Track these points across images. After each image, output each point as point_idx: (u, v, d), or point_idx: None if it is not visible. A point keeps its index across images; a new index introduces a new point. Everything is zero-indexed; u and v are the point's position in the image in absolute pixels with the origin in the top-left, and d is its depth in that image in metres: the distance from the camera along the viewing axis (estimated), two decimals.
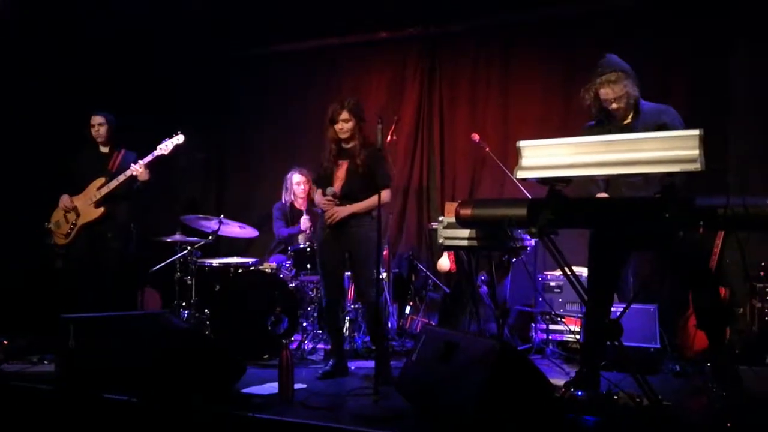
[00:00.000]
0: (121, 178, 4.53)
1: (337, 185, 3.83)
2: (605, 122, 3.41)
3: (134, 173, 4.53)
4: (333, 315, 3.94)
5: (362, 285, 3.83)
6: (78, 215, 4.60)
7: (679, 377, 3.77)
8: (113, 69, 5.60)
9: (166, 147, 4.62)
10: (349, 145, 3.83)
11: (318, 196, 3.96)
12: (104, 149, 4.75)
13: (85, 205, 4.60)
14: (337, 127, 3.78)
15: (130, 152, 4.75)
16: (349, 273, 4.13)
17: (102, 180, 4.59)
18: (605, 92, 3.30)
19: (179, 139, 4.65)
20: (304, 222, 5.04)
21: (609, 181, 3.43)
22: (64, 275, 4.65)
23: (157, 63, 5.85)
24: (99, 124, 4.68)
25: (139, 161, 4.56)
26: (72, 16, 5.35)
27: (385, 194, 3.75)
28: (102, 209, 4.57)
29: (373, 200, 3.70)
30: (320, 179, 3.95)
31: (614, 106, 3.32)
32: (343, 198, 3.80)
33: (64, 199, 4.63)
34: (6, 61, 5.13)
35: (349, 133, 3.79)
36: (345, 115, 3.76)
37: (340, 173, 3.84)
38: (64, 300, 4.39)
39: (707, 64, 4.68)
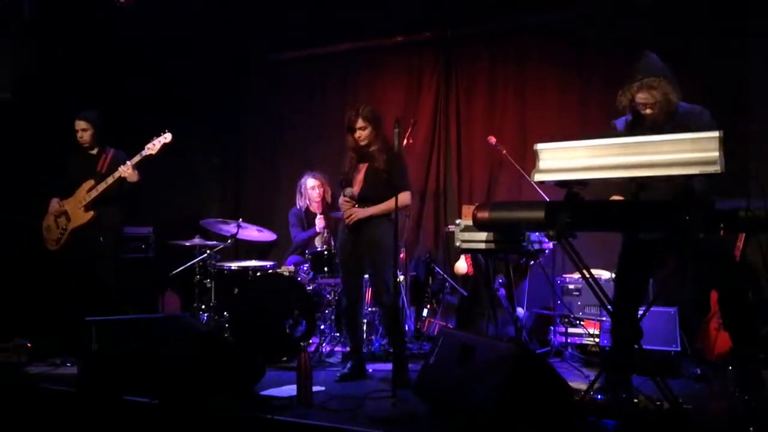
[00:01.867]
0: (110, 180, 4.38)
1: (356, 188, 3.87)
2: (634, 127, 3.31)
3: (123, 174, 4.37)
4: (352, 317, 3.97)
5: (379, 288, 3.85)
6: (68, 220, 4.47)
7: (700, 381, 3.73)
8: (130, 73, 5.63)
9: (153, 146, 4.46)
10: (370, 150, 3.86)
11: (341, 198, 4.01)
12: (92, 151, 4.59)
13: (75, 209, 4.46)
14: (355, 135, 3.84)
15: (119, 151, 4.60)
16: (367, 276, 4.15)
17: (91, 182, 4.45)
18: (643, 97, 3.18)
19: (167, 137, 4.48)
20: (319, 223, 5.06)
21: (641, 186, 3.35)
22: (60, 280, 4.53)
23: (174, 68, 5.89)
24: (82, 130, 4.52)
25: (128, 162, 4.41)
26: (87, 19, 5.38)
27: (404, 197, 3.79)
28: (92, 213, 4.43)
29: (390, 203, 3.76)
30: (343, 184, 3.99)
31: (648, 111, 3.21)
32: (362, 200, 3.84)
33: (54, 204, 4.51)
34: (27, 62, 5.19)
35: (367, 140, 3.84)
36: (360, 122, 3.81)
37: (359, 176, 3.88)
38: (64, 303, 4.34)
39: (724, 64, 4.62)
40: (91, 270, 4.46)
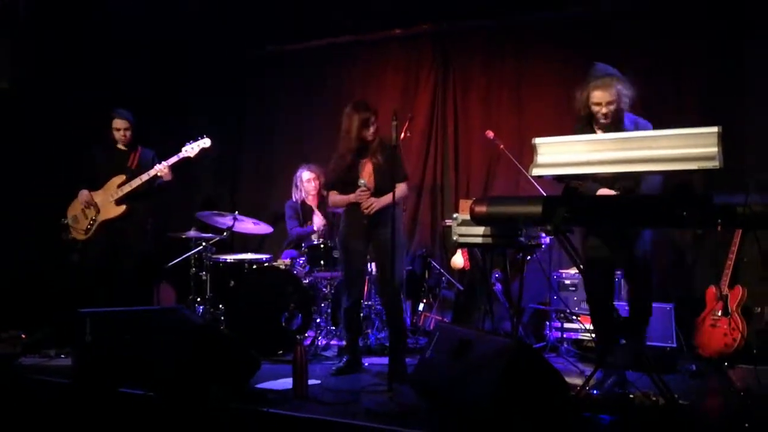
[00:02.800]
0: (145, 177, 4.49)
1: (369, 181, 3.86)
2: (587, 128, 3.39)
3: (159, 174, 4.51)
4: (355, 315, 3.97)
5: (388, 277, 3.79)
6: (98, 211, 4.54)
7: (695, 377, 3.74)
8: (127, 67, 5.60)
9: (192, 150, 4.61)
10: (372, 145, 3.88)
11: (335, 196, 3.98)
12: (122, 147, 4.69)
13: (106, 201, 4.55)
14: (369, 131, 3.83)
15: (146, 149, 4.74)
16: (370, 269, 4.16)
17: (122, 177, 4.54)
18: (598, 95, 3.29)
19: (206, 142, 4.64)
20: (317, 221, 5.04)
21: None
22: (80, 271, 4.60)
23: (170, 62, 5.86)
24: (125, 129, 4.63)
25: (164, 162, 4.53)
26: (87, 15, 5.36)
27: (404, 187, 3.93)
28: (124, 207, 4.53)
29: (399, 191, 3.80)
30: (339, 182, 3.95)
31: (603, 110, 3.29)
32: (375, 193, 3.85)
33: (84, 194, 4.55)
34: (25, 57, 5.17)
35: (375, 135, 3.87)
36: (374, 118, 3.85)
37: (367, 171, 3.88)
38: (80, 295, 4.35)
39: (722, 63, 4.62)
40: (114, 262, 4.55)
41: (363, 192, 3.82)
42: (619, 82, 3.30)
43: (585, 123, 3.41)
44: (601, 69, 3.40)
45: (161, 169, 4.50)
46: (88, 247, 4.58)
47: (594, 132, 3.35)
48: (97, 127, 4.71)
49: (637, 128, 3.29)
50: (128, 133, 4.64)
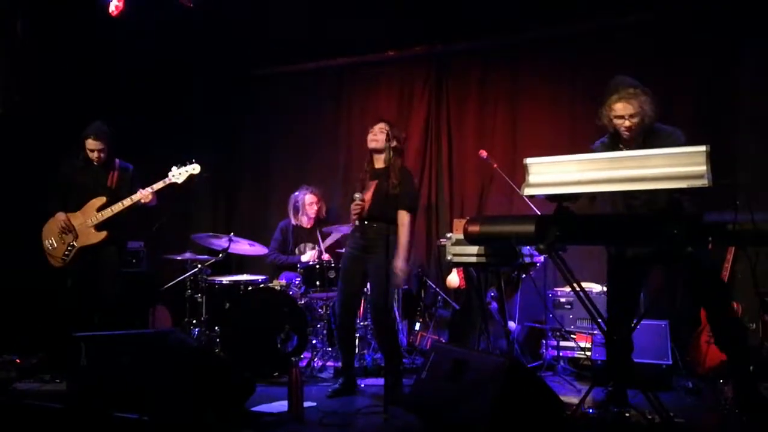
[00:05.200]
0: (127, 203, 4.26)
1: (366, 206, 3.85)
2: (614, 145, 3.32)
3: (143, 201, 4.25)
4: (348, 334, 3.96)
5: (380, 307, 3.79)
6: (76, 237, 4.29)
7: (691, 394, 3.74)
8: (121, 88, 5.60)
9: (179, 175, 4.36)
10: (382, 165, 3.88)
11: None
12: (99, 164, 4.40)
13: (85, 227, 4.29)
14: (372, 138, 3.87)
15: (124, 163, 4.46)
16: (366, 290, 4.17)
17: (102, 200, 4.31)
18: (621, 107, 3.20)
19: (195, 168, 4.38)
20: (309, 255, 5.05)
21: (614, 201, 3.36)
22: (66, 295, 4.37)
23: (166, 83, 5.90)
24: (99, 150, 4.32)
25: (148, 188, 4.29)
26: (84, 31, 5.40)
27: (404, 217, 3.82)
28: (105, 233, 4.29)
29: (405, 243, 3.78)
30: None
31: (627, 124, 3.21)
32: (370, 219, 3.83)
33: (61, 218, 4.29)
34: (21, 83, 5.20)
35: (379, 143, 3.85)
36: (380, 126, 3.88)
37: (368, 194, 3.87)
38: (74, 320, 4.23)
39: (714, 80, 4.67)
40: (95, 285, 4.34)
41: (356, 205, 3.82)
42: (644, 94, 3.19)
43: (610, 141, 3.35)
44: (625, 81, 3.29)
45: (146, 195, 4.25)
46: (68, 272, 4.33)
47: (618, 149, 3.25)
48: (69, 142, 4.43)
49: (663, 137, 3.19)
50: (103, 154, 4.33)
